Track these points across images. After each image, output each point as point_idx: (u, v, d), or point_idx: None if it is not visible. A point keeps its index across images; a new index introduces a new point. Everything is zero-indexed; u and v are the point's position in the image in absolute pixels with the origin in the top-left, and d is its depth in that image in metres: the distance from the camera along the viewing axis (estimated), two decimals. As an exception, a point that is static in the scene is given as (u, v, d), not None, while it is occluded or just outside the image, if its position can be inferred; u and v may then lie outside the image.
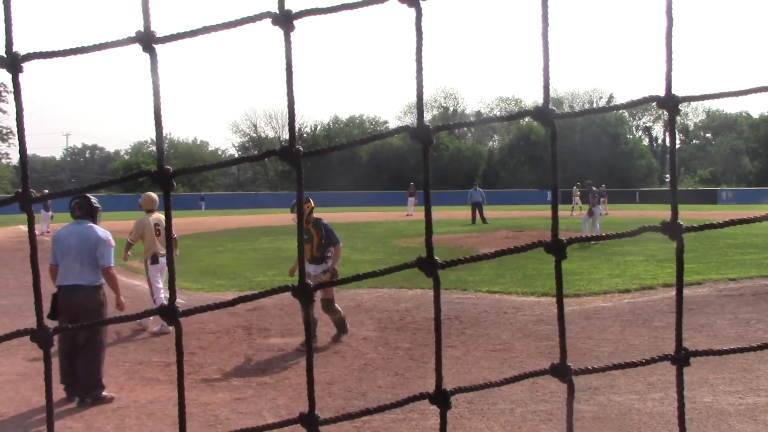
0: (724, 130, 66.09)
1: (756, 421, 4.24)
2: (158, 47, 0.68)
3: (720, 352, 0.69)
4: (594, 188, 17.20)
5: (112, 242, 5.35)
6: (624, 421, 4.27)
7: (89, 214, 5.36)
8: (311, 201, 7.00)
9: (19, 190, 0.62)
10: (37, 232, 0.70)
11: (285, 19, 0.64)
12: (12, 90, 0.63)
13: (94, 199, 5.48)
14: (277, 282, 10.42)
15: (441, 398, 0.64)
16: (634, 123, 69.04)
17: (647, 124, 70.20)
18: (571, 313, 7.58)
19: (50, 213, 21.19)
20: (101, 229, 5.33)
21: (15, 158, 53.94)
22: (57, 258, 5.20)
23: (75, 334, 5.09)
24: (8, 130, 49.05)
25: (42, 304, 0.65)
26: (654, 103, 0.67)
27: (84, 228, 5.25)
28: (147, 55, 0.66)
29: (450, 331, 6.84)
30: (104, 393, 5.06)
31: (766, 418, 4.31)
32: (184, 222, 25.77)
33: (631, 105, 0.68)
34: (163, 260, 7.48)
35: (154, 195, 7.80)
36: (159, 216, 7.61)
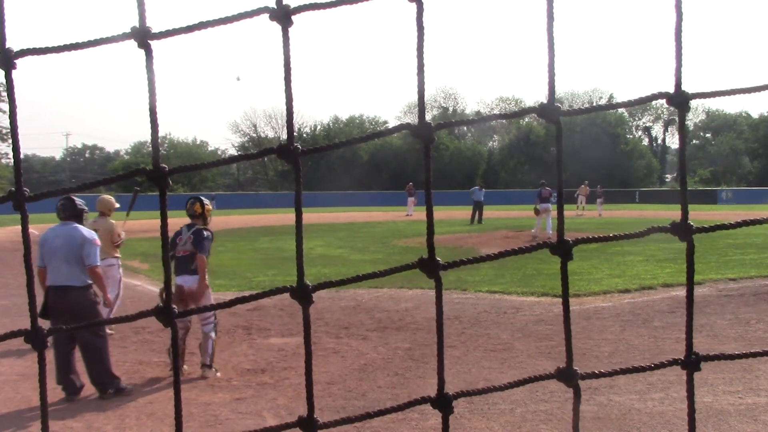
0: (724, 130, 66.10)
1: (756, 421, 4.23)
2: (156, 45, 0.67)
3: (732, 357, 0.68)
4: (542, 189, 18.22)
5: (98, 242, 5.43)
6: (624, 421, 4.26)
7: (74, 215, 5.44)
8: (207, 202, 6.22)
9: (13, 188, 0.61)
10: None
11: (283, 15, 0.63)
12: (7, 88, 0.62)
13: (79, 201, 5.57)
14: (278, 282, 10.41)
15: (443, 402, 0.63)
16: (634, 123, 69.06)
17: (647, 124, 70.24)
18: (571, 313, 7.54)
19: None
20: (86, 230, 5.42)
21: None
22: (44, 260, 5.25)
23: (72, 335, 5.14)
24: (8, 130, 49.04)
25: (36, 305, 0.65)
26: (658, 101, 0.66)
27: (70, 229, 5.31)
28: (143, 52, 0.65)
29: (450, 331, 6.83)
30: (122, 385, 5.17)
31: (766, 418, 4.30)
32: (184, 222, 25.67)
33: (640, 102, 0.67)
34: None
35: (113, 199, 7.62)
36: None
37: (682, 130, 0.65)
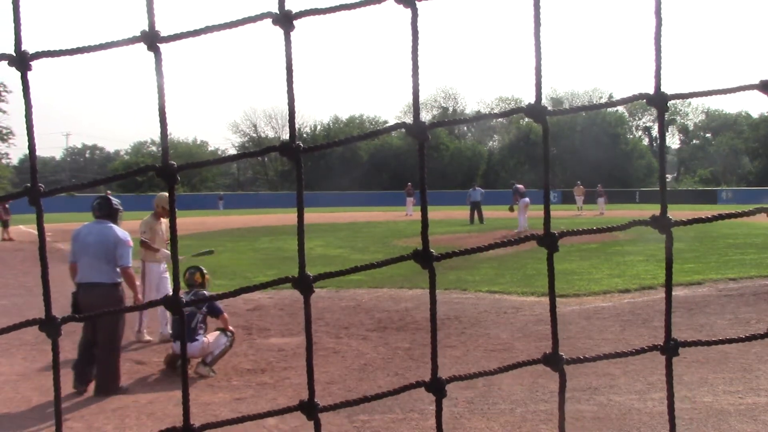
0: (723, 130, 66.12)
1: (756, 421, 4.24)
2: (161, 47, 0.69)
3: (708, 343, 0.70)
4: (518, 186, 19.30)
5: (131, 243, 5.49)
6: (624, 421, 4.28)
7: (109, 214, 5.50)
8: (206, 271, 6.18)
9: (28, 184, 0.63)
10: None
11: (285, 19, 0.65)
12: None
13: (115, 201, 5.64)
14: (278, 282, 10.39)
15: (436, 386, 0.65)
16: (634, 123, 69.10)
17: (647, 124, 70.25)
18: (571, 313, 7.59)
19: None
20: (120, 230, 5.48)
21: (15, 158, 53.88)
22: (76, 256, 5.37)
23: (94, 329, 5.22)
24: (8, 130, 48.99)
25: (50, 295, 0.67)
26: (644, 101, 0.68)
27: (103, 228, 5.38)
28: (151, 55, 0.67)
29: (450, 331, 6.85)
30: (119, 383, 5.24)
31: (766, 418, 4.31)
32: (185, 222, 25.76)
33: (621, 102, 0.69)
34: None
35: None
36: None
37: (662, 128, 0.68)
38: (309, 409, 0.67)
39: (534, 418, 4.35)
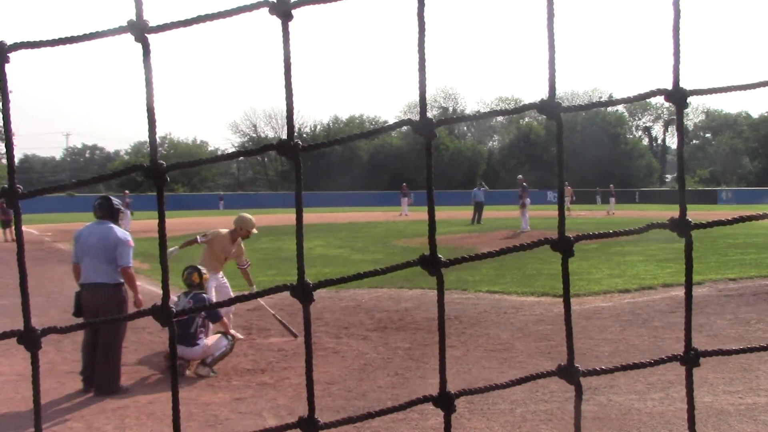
0: (723, 130, 66.15)
1: (756, 421, 4.22)
2: (157, 43, 0.67)
3: (728, 352, 0.67)
4: (525, 184, 19.63)
5: (131, 243, 5.49)
6: (624, 421, 4.26)
7: (110, 214, 5.52)
8: (204, 270, 6.10)
9: (5, 185, 0.61)
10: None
11: (283, 9, 0.62)
12: (12, 88, 0.62)
13: (115, 201, 5.68)
14: (277, 282, 10.37)
15: (445, 401, 0.62)
16: (634, 123, 69.14)
17: (647, 124, 70.31)
18: (571, 313, 7.57)
19: (129, 211, 19.21)
20: (120, 230, 5.50)
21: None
22: (78, 257, 5.40)
23: (96, 330, 5.25)
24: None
25: (29, 304, 0.64)
26: (657, 101, 0.66)
27: (104, 228, 5.39)
28: (140, 47, 0.64)
29: (450, 331, 6.83)
30: (119, 383, 5.25)
31: (766, 418, 4.29)
32: (187, 222, 25.72)
33: (640, 98, 0.66)
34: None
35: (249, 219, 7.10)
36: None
37: (681, 126, 0.65)
38: (309, 426, 0.64)
39: (534, 418, 4.33)
